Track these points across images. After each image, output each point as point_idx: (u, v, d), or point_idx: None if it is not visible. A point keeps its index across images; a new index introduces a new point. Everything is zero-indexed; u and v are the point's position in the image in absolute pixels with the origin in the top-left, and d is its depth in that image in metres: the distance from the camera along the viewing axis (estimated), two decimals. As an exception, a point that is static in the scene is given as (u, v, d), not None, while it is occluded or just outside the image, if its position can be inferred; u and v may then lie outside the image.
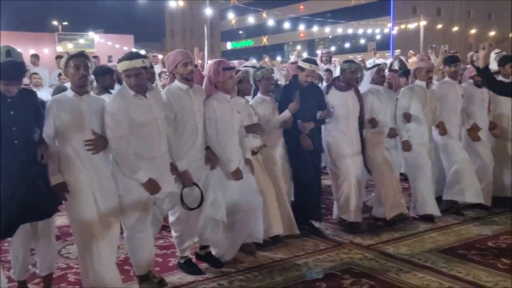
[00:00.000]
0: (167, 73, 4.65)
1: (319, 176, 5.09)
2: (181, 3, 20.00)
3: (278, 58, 25.49)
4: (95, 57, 10.28)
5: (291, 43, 46.13)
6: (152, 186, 3.39)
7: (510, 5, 42.86)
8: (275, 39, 46.22)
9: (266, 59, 8.21)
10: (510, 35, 31.61)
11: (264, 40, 49.55)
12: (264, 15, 30.41)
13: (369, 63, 12.50)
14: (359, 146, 4.98)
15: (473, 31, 31.62)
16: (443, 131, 5.36)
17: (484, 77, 4.24)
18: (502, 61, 5.74)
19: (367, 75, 5.34)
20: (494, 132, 5.75)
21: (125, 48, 17.41)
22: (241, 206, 4.00)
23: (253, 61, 6.08)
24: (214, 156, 3.85)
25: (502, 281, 3.69)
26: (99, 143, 3.28)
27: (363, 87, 5.24)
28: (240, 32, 52.48)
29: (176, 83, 3.77)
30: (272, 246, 4.50)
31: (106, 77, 4.71)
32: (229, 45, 54.57)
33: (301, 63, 4.84)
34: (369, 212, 5.39)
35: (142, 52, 8.72)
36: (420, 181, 5.28)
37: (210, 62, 4.51)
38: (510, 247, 4.42)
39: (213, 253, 4.12)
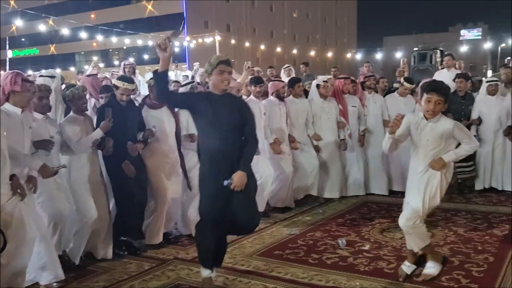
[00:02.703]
0: None
1: (144, 194, 4.85)
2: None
3: (72, 69, 23.97)
4: None
5: (82, 52, 43.85)
6: None
7: (286, 23, 48.29)
8: (65, 48, 43.33)
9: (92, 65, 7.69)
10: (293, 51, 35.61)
11: (52, 48, 46.03)
12: (50, 22, 28.28)
13: (171, 75, 12.62)
14: (178, 164, 4.96)
15: (262, 47, 34.69)
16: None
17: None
18: (291, 82, 6.41)
19: (181, 91, 5.35)
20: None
21: None
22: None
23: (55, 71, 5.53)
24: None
25: (315, 275, 4.08)
26: None
27: None
28: (23, 39, 47.77)
29: None
30: (92, 274, 4.18)
31: None
32: (10, 53, 49.10)
33: (115, 81, 4.64)
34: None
35: None
36: None
37: (4, 72, 4.05)
38: (317, 243, 4.92)
39: None
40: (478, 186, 6.79)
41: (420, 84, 6.97)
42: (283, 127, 6.08)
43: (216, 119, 3.57)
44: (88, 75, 6.25)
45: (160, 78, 3.46)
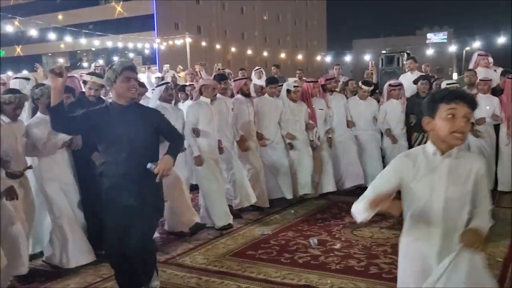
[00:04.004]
0: None
1: None
2: None
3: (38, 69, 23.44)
4: None
5: (50, 54, 42.97)
6: None
7: (257, 26, 48.48)
8: (32, 49, 42.37)
9: (39, 70, 7.52)
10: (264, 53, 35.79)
11: (18, 50, 44.93)
12: (17, 22, 27.61)
13: (140, 77, 12.52)
14: None
15: (233, 49, 34.76)
16: (220, 149, 5.69)
17: None
18: (267, 82, 6.52)
19: (155, 92, 5.40)
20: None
21: None
22: None
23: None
24: None
25: (287, 275, 4.14)
26: None
27: (151, 104, 5.24)
28: (-13, 41, 46.52)
29: None
30: (64, 277, 4.14)
31: None
32: (-26, 55, 47.75)
33: (84, 77, 4.61)
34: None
35: None
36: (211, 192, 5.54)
37: None
38: (289, 242, 4.99)
39: None
40: None
41: (385, 86, 7.18)
42: (251, 124, 6.18)
43: (120, 136, 3.25)
44: None
45: (57, 111, 3.04)
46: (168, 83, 5.77)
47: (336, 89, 7.50)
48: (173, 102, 5.82)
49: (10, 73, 14.98)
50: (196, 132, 5.38)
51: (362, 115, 7.13)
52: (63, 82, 3.01)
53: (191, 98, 6.39)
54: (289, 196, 6.43)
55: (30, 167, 4.21)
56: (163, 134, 3.50)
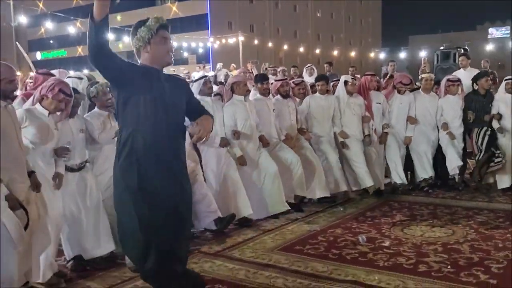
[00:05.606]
0: None
1: None
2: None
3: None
4: None
5: (109, 54, 44.63)
6: None
7: (310, 23, 48.20)
8: (92, 50, 44.15)
9: None
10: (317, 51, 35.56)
11: (79, 50, 46.98)
12: (78, 24, 28.89)
13: (195, 75, 12.82)
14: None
15: (285, 47, 34.86)
16: (265, 143, 5.80)
17: None
18: (256, 79, 6.36)
19: (194, 87, 5.38)
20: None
21: None
22: None
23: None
24: None
25: (334, 270, 4.15)
26: None
27: None
28: (51, 41, 48.89)
29: None
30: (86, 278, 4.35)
31: None
32: (38, 55, 50.33)
33: None
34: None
35: None
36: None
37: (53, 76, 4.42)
38: (337, 239, 5.00)
39: None
40: (503, 184, 6.72)
41: (443, 81, 7.00)
42: (292, 124, 6.22)
43: (161, 101, 2.67)
44: None
45: (100, 27, 2.44)
46: (206, 76, 5.82)
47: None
48: (212, 95, 5.74)
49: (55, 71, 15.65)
50: (236, 135, 5.43)
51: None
52: None
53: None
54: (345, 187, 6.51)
55: (87, 161, 4.42)
56: (192, 109, 2.88)
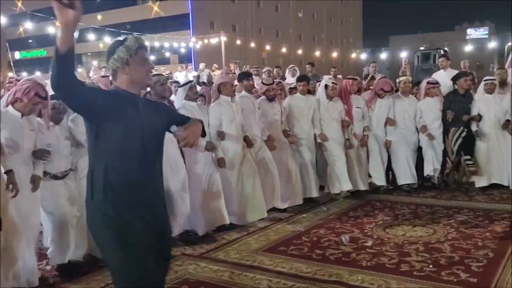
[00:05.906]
0: None
1: None
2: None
3: (80, 69, 24.15)
4: None
5: (89, 53, 44.13)
6: None
7: (292, 23, 48.37)
8: (72, 49, 43.61)
9: (79, 70, 7.76)
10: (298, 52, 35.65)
11: (59, 50, 46.34)
12: (58, 23, 28.45)
13: (177, 76, 12.80)
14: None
15: (267, 47, 34.91)
16: (250, 144, 5.65)
17: None
18: (240, 77, 6.33)
19: (180, 92, 5.27)
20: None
21: None
22: None
23: None
24: None
25: (318, 270, 4.19)
26: None
27: (177, 104, 5.22)
28: (30, 41, 48.16)
29: None
30: (68, 282, 4.32)
31: None
32: (17, 55, 49.52)
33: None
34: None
35: None
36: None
37: (24, 79, 4.33)
38: (321, 239, 5.04)
39: None
40: (481, 183, 6.85)
41: (422, 83, 7.11)
42: (277, 125, 6.20)
43: (136, 131, 2.42)
44: (102, 76, 6.35)
45: (65, 60, 2.11)
46: (192, 81, 5.75)
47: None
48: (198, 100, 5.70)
49: (38, 73, 15.48)
50: (221, 135, 5.37)
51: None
52: (75, 17, 2.07)
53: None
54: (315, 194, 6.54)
55: (72, 170, 4.38)
56: (179, 123, 2.59)
